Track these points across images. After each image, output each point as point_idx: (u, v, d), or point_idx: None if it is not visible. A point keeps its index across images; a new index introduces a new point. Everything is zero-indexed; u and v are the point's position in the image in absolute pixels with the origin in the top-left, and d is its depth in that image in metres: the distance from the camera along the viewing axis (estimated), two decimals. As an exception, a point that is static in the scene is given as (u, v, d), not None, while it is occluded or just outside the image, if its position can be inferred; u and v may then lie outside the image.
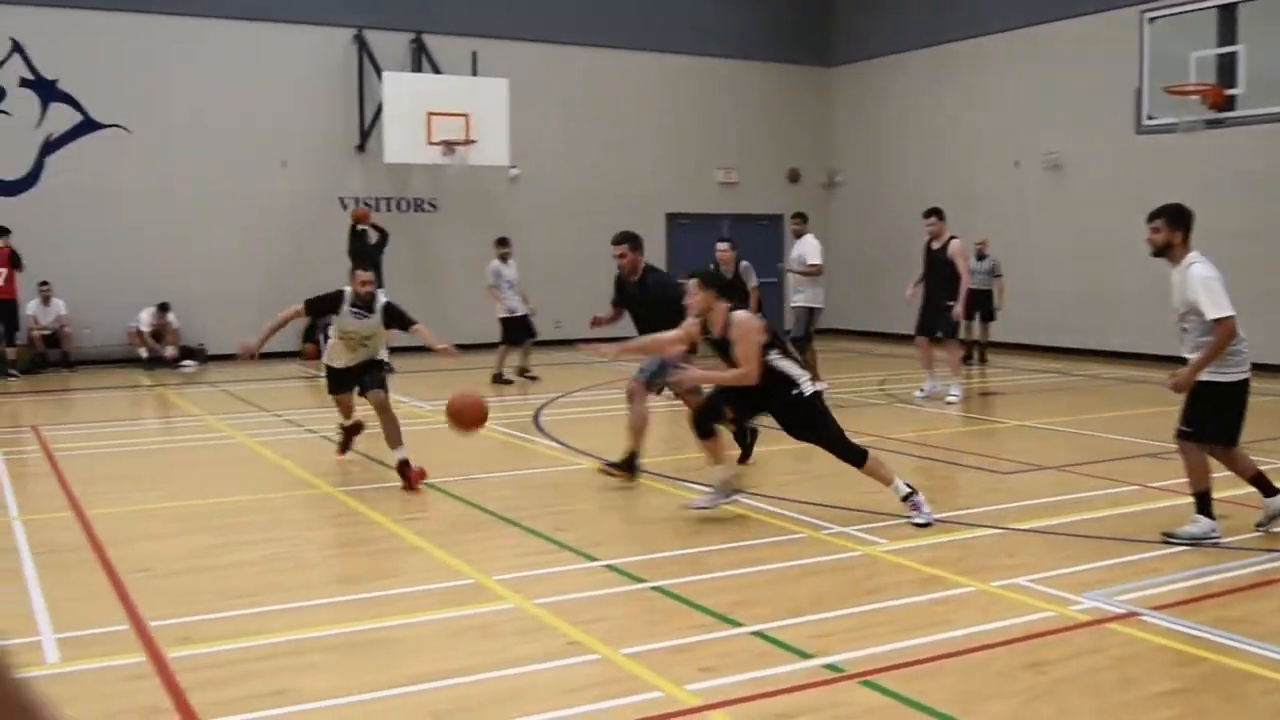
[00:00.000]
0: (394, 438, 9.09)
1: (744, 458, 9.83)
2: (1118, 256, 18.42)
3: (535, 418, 12.74)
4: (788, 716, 4.58)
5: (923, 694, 4.78)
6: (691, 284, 7.96)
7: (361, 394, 9.50)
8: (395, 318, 9.40)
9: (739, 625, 5.65)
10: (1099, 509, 8.22)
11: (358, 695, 4.83)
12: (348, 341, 9.46)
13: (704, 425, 8.01)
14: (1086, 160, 19.25)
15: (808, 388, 7.76)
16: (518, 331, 16.38)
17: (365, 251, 17.14)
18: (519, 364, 16.51)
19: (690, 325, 8.10)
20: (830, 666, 5.10)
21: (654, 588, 6.31)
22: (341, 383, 9.73)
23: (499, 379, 15.92)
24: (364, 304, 9.31)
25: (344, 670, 5.17)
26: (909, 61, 22.65)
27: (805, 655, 5.23)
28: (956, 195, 20.47)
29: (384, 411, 9.19)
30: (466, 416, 8.43)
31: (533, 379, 16.21)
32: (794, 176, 24.14)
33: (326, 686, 4.92)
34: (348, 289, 9.35)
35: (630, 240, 9.63)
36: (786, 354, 7.88)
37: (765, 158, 23.78)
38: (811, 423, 7.86)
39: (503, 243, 16.67)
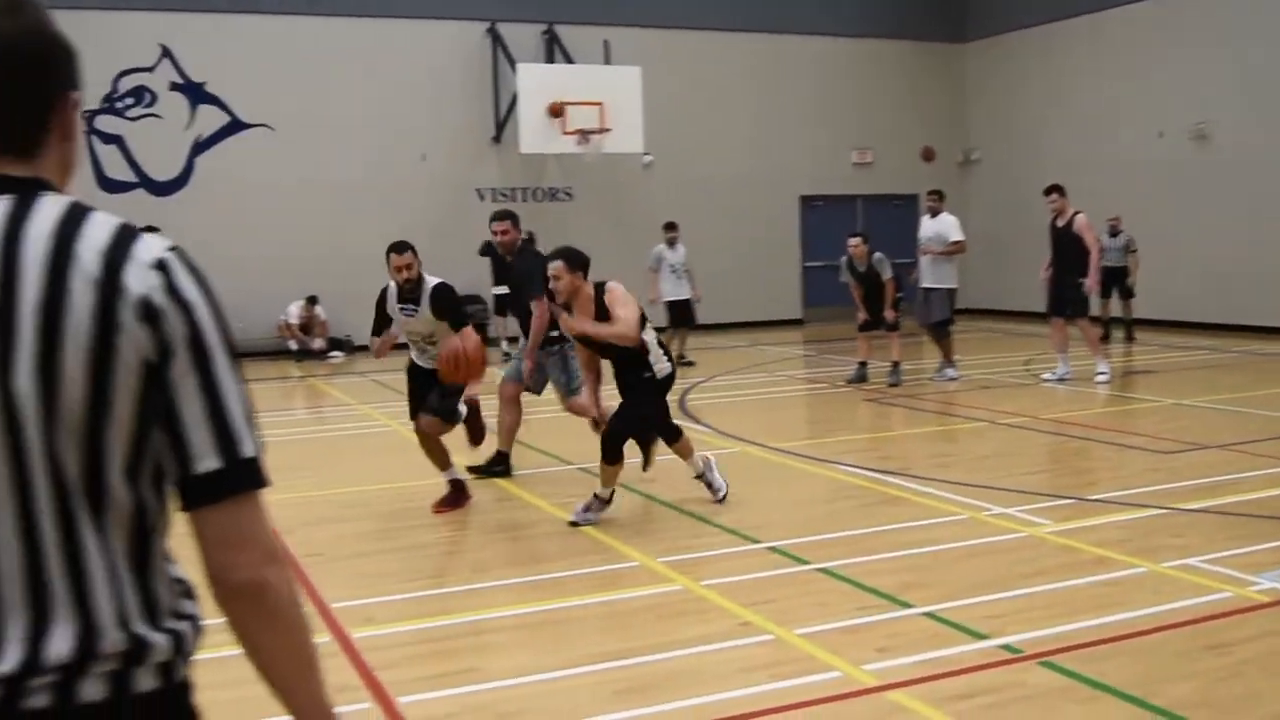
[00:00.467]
0: (443, 461, 8.13)
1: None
2: (1270, 228, 17.85)
3: (681, 402, 12.81)
4: (968, 696, 4.59)
5: (1103, 675, 4.74)
6: (557, 266, 7.49)
7: (414, 416, 8.13)
8: (446, 309, 7.78)
9: (910, 606, 5.66)
10: (1268, 488, 8.00)
11: (540, 674, 4.96)
12: (414, 342, 8.17)
13: (615, 451, 7.48)
14: (1236, 129, 18.65)
15: (661, 371, 7.54)
16: (679, 315, 16.24)
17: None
18: (677, 350, 16.37)
19: (568, 321, 7.60)
20: (1007, 647, 5.09)
21: (820, 569, 6.34)
22: (423, 390, 8.10)
23: (682, 360, 15.98)
24: (409, 296, 7.86)
25: (525, 650, 5.31)
26: (1045, 34, 22.19)
27: (980, 636, 5.22)
28: (1097, 169, 20.06)
29: (427, 439, 8.02)
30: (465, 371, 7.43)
31: (688, 364, 16.13)
32: (928, 155, 23.74)
33: (510, 665, 5.06)
34: (391, 283, 7.99)
35: (513, 218, 9.46)
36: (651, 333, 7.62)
37: (899, 137, 23.51)
38: (631, 402, 7.60)
39: (670, 227, 16.58)
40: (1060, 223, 13.46)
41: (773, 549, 6.79)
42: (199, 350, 1.55)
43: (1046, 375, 13.70)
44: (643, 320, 7.53)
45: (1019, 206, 22.24)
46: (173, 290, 1.55)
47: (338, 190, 19.47)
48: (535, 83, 19.21)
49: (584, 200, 21.18)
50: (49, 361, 1.48)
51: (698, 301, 16.36)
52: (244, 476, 1.57)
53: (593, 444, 9.94)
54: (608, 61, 20.38)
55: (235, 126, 19.20)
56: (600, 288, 7.54)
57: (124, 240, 1.55)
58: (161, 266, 1.55)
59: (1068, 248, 13.35)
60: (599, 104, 19.25)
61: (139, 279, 1.53)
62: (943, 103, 24.08)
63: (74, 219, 1.55)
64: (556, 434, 10.50)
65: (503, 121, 20.32)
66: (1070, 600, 5.74)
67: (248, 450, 1.58)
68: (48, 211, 1.55)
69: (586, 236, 21.12)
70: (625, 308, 7.44)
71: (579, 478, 9.03)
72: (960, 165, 24.18)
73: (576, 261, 7.54)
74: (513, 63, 19.89)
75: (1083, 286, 13.22)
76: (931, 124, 23.88)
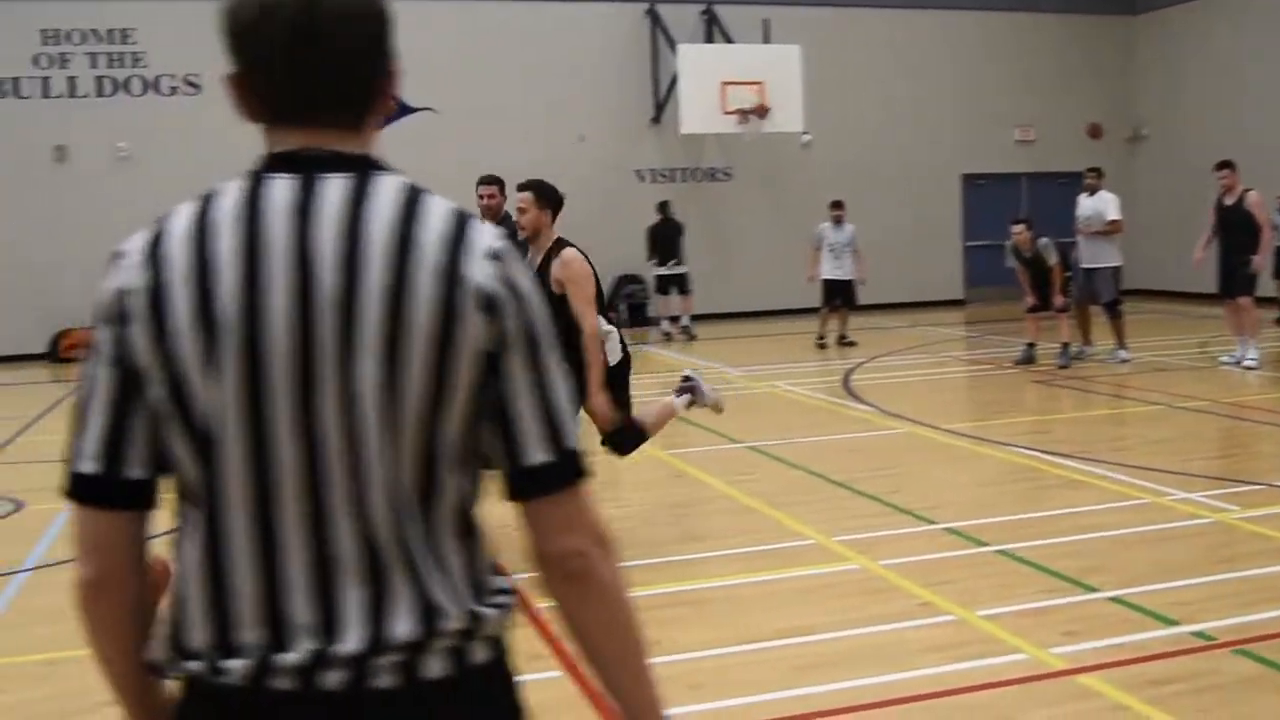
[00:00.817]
0: None
1: None
2: None
3: (845, 382, 12.76)
4: (1162, 683, 4.51)
5: (1303, 665, 4.62)
6: (526, 197, 6.69)
7: None
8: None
9: (1094, 590, 5.57)
10: None
11: (721, 649, 5.03)
12: None
13: (627, 450, 6.81)
14: None
15: (614, 355, 6.67)
16: (833, 295, 16.01)
17: (669, 232, 17.66)
18: (838, 330, 16.17)
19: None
20: (1199, 634, 4.98)
21: (998, 551, 6.28)
22: None
23: (844, 341, 15.97)
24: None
25: (705, 624, 5.38)
26: (1218, 5, 21.33)
27: (1170, 622, 5.12)
28: (1272, 145, 19.28)
29: None
30: None
31: (850, 344, 15.97)
32: (1095, 132, 23.18)
33: (693, 639, 5.13)
34: None
35: (500, 183, 9.16)
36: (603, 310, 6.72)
37: (1064, 113, 22.88)
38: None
39: (835, 205, 16.40)
40: (1229, 200, 12.97)
41: (949, 530, 6.74)
42: (532, 342, 1.56)
43: (1224, 358, 13.26)
44: (597, 298, 6.68)
45: (1190, 184, 21.46)
46: (509, 281, 1.55)
47: (500, 172, 19.68)
48: (695, 63, 19.25)
49: (743, 180, 21.15)
50: (391, 351, 1.48)
51: (862, 283, 16.14)
52: (571, 469, 1.60)
53: (764, 420, 10.04)
54: (767, 40, 20.27)
55: (402, 111, 19.57)
56: (558, 245, 6.63)
57: (462, 228, 1.55)
58: (497, 256, 1.55)
59: (1237, 226, 12.86)
60: (759, 83, 19.20)
61: (478, 269, 1.53)
62: (1109, 77, 23.35)
63: (413, 203, 1.54)
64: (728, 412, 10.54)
65: (662, 102, 20.39)
66: (1265, 588, 5.58)
67: (574, 442, 1.61)
68: (387, 194, 1.54)
69: (745, 217, 21.27)
70: (584, 292, 6.49)
71: (747, 456, 9.08)
72: (1128, 142, 23.45)
73: (549, 197, 6.76)
74: (672, 44, 19.93)
75: (1250, 264, 12.74)
76: (1097, 99, 23.20)
